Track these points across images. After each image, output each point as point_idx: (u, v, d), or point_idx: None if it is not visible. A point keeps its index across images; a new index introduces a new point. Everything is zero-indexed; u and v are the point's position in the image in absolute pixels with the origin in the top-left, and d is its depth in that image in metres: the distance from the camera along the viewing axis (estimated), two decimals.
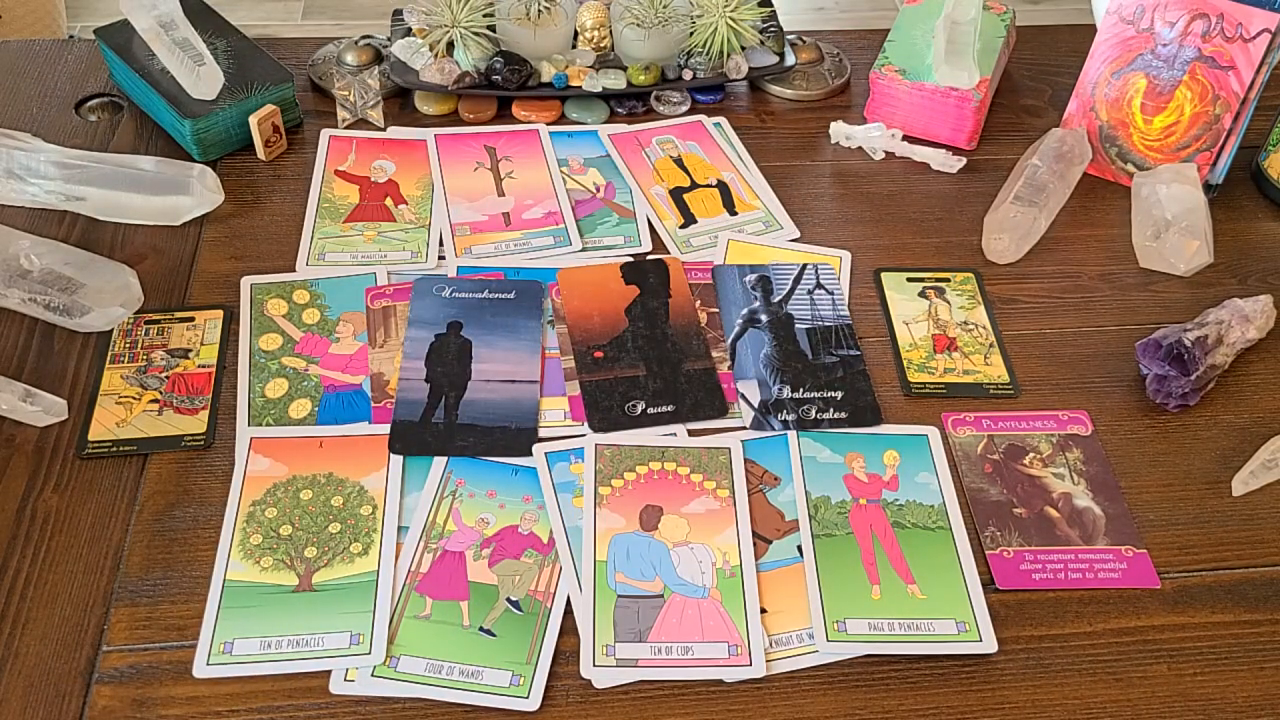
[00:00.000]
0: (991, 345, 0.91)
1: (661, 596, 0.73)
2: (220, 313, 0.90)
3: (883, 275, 0.97)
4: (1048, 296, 0.96)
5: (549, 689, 0.69)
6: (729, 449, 0.82)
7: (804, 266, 0.96)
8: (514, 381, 0.85)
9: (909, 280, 0.97)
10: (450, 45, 1.09)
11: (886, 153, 1.09)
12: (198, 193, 0.96)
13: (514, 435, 0.81)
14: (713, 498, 0.79)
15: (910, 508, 0.79)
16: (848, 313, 0.92)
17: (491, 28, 1.09)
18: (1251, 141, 1.10)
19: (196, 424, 0.82)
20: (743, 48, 1.12)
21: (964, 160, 1.08)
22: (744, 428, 0.84)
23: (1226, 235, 1.03)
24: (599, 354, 0.88)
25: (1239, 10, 0.98)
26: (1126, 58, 1.04)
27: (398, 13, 1.15)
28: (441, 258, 0.95)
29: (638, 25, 1.08)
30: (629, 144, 1.08)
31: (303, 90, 1.12)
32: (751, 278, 0.94)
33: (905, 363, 0.89)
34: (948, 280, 0.97)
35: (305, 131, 1.08)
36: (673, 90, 1.13)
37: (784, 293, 0.93)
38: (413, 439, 0.81)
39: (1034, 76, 1.20)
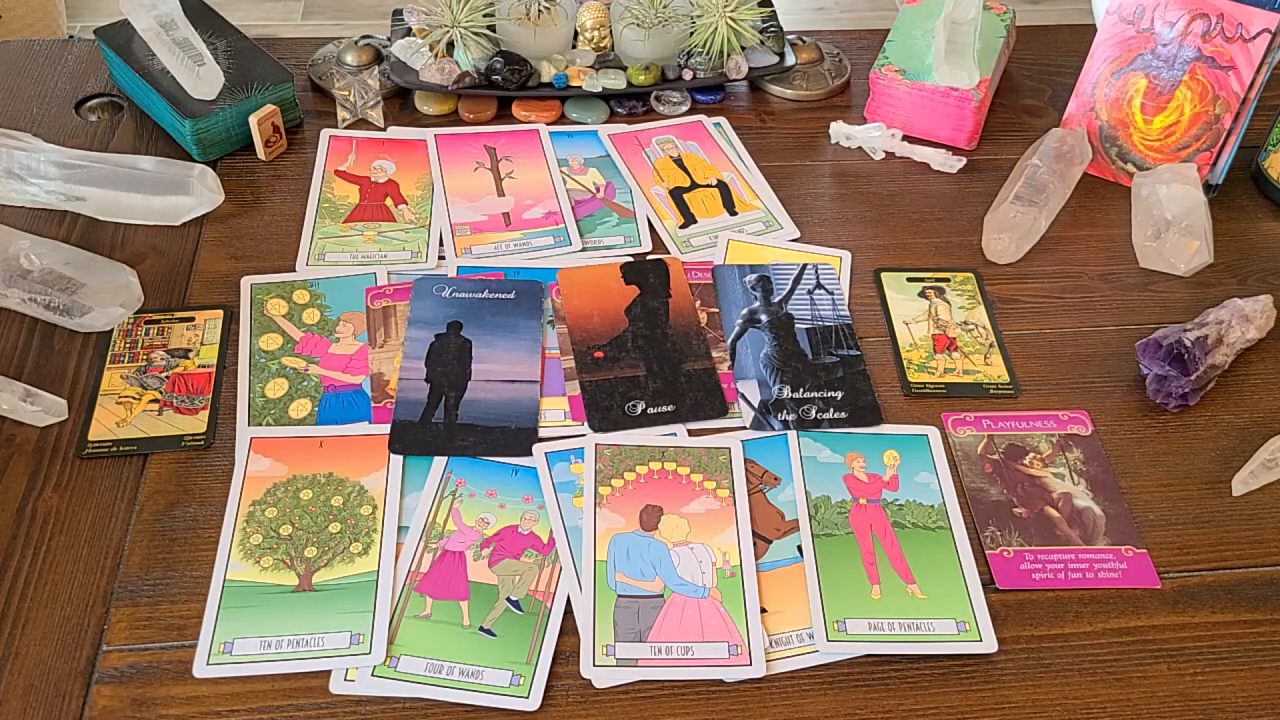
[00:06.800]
0: (991, 345, 0.91)
1: (661, 596, 0.73)
2: (220, 313, 0.90)
3: (883, 275, 0.97)
4: (1048, 296, 0.96)
5: (549, 689, 0.69)
6: (729, 449, 0.82)
7: (804, 266, 0.96)
8: (514, 381, 0.85)
9: (909, 280, 0.97)
10: (450, 45, 1.09)
11: (886, 153, 1.09)
12: (198, 193, 0.96)
13: (514, 435, 0.81)
14: (713, 498, 0.79)
15: (910, 508, 0.79)
16: (848, 313, 0.92)
17: (491, 28, 1.09)
18: (1251, 141, 1.10)
19: (196, 424, 0.82)
20: (743, 48, 1.12)
21: (964, 160, 1.08)
22: (744, 428, 0.84)
23: (1226, 235, 1.03)
24: (599, 354, 0.88)
25: (1239, 10, 0.98)
26: (1126, 58, 1.04)
27: (398, 13, 1.15)
28: (441, 258, 0.95)
29: (638, 25, 1.08)
30: (629, 144, 1.08)
31: (303, 90, 1.12)
32: (751, 278, 0.94)
33: (905, 363, 0.89)
34: (948, 280, 0.97)
35: (305, 131, 1.08)
36: (673, 90, 1.13)
37: (784, 293, 0.93)
38: (413, 439, 0.81)
39: (1034, 76, 1.20)
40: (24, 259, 0.87)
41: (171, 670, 0.69)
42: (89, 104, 1.10)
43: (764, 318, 0.91)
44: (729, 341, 0.90)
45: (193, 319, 0.89)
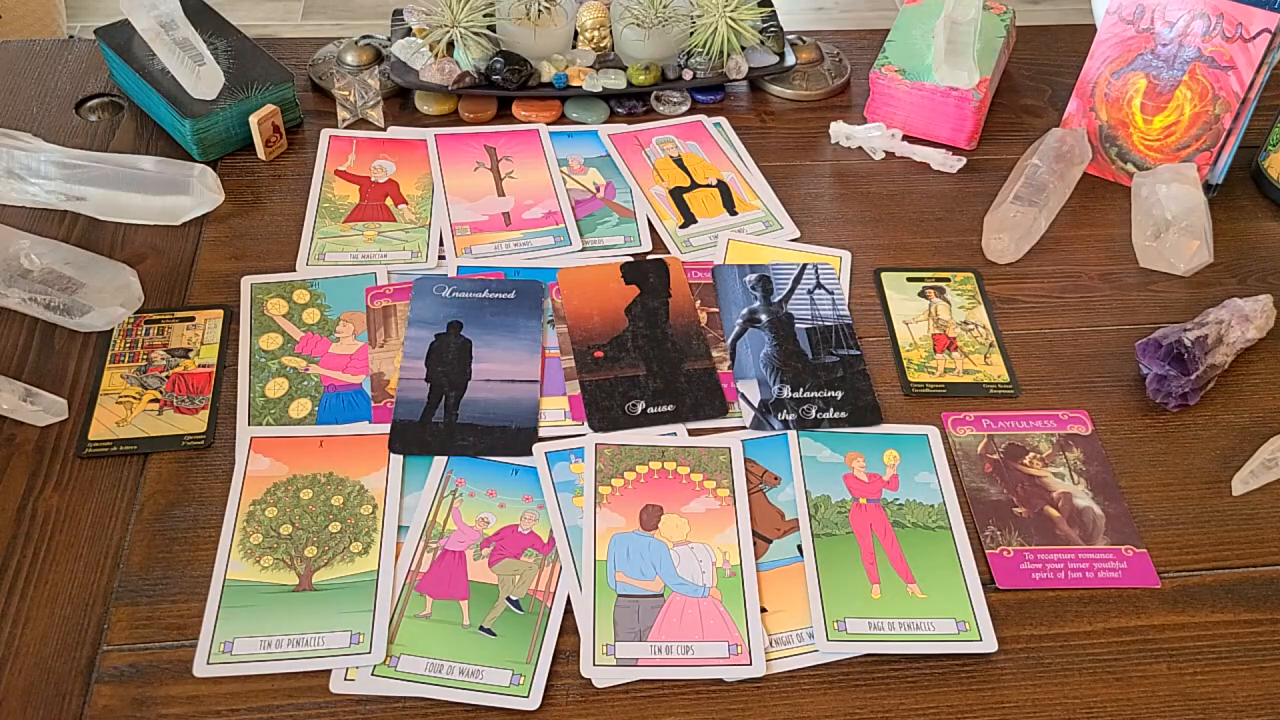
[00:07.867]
0: (991, 345, 0.91)
1: (661, 596, 0.73)
2: (220, 312, 0.90)
3: (883, 275, 0.97)
4: (1048, 296, 0.96)
5: (549, 688, 0.69)
6: (729, 449, 0.82)
7: (804, 266, 0.96)
8: (514, 381, 0.85)
9: (909, 280, 0.97)
10: (450, 45, 1.09)
11: (886, 153, 1.09)
12: (198, 193, 0.96)
13: (514, 435, 0.81)
14: (713, 497, 0.79)
15: (910, 507, 0.79)
16: (848, 312, 0.93)
17: (491, 28, 1.09)
18: (1251, 141, 1.10)
19: (196, 423, 0.82)
20: (743, 48, 1.12)
21: (964, 160, 1.08)
22: (744, 427, 0.84)
23: (1226, 235, 1.03)
24: (599, 354, 0.88)
25: (1239, 10, 0.98)
26: (1126, 58, 1.04)
27: (398, 13, 1.15)
28: (441, 257, 0.95)
29: (638, 25, 1.09)
30: (629, 144, 1.08)
31: (303, 90, 1.12)
32: (751, 278, 0.94)
33: (905, 362, 0.90)
34: (948, 280, 0.97)
35: (305, 131, 1.08)
36: (673, 90, 1.13)
37: (784, 293, 0.93)
38: (413, 439, 0.81)
39: (1034, 76, 1.21)
40: (24, 259, 0.87)
41: (171, 670, 0.69)
42: (89, 104, 1.10)
43: (764, 317, 0.91)
44: (729, 341, 0.90)
45: (193, 319, 0.89)
